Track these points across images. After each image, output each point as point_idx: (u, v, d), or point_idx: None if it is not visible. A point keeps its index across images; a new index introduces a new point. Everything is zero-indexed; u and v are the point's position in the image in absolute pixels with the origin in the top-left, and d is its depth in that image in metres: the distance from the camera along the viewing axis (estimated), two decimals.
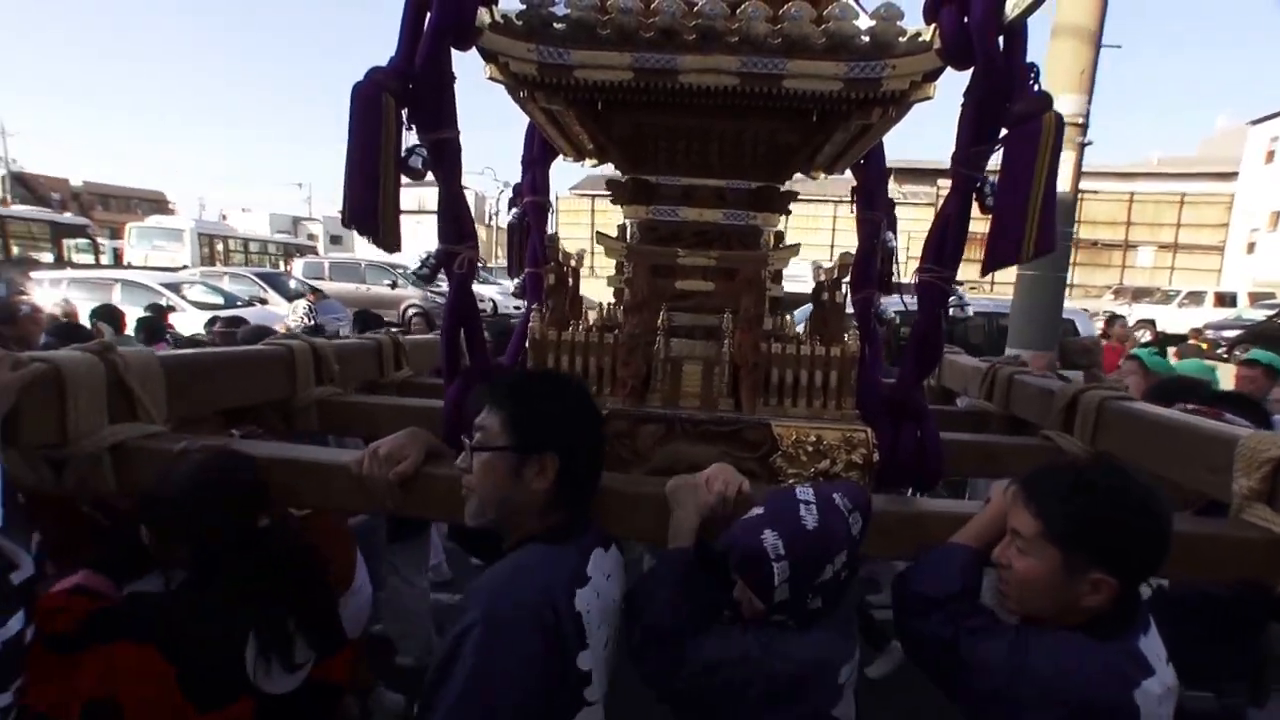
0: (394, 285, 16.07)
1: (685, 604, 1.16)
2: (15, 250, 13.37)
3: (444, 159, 1.40)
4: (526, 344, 1.65)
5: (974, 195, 1.37)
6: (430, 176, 1.41)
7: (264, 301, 11.60)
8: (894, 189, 21.30)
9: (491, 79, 1.49)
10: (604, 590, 1.14)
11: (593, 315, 1.96)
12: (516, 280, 2.27)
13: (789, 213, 1.77)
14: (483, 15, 1.36)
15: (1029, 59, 1.26)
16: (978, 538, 1.20)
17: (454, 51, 1.37)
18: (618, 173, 1.78)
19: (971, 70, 1.28)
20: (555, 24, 1.38)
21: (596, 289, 2.54)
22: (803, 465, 1.49)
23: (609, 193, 1.79)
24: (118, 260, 15.55)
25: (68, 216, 16.97)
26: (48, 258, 13.82)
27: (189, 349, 2.16)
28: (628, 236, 1.75)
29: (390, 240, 1.36)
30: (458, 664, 0.98)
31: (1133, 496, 1.02)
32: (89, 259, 14.76)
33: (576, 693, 1.06)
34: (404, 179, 1.36)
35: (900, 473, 1.60)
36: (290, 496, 1.40)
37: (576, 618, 1.06)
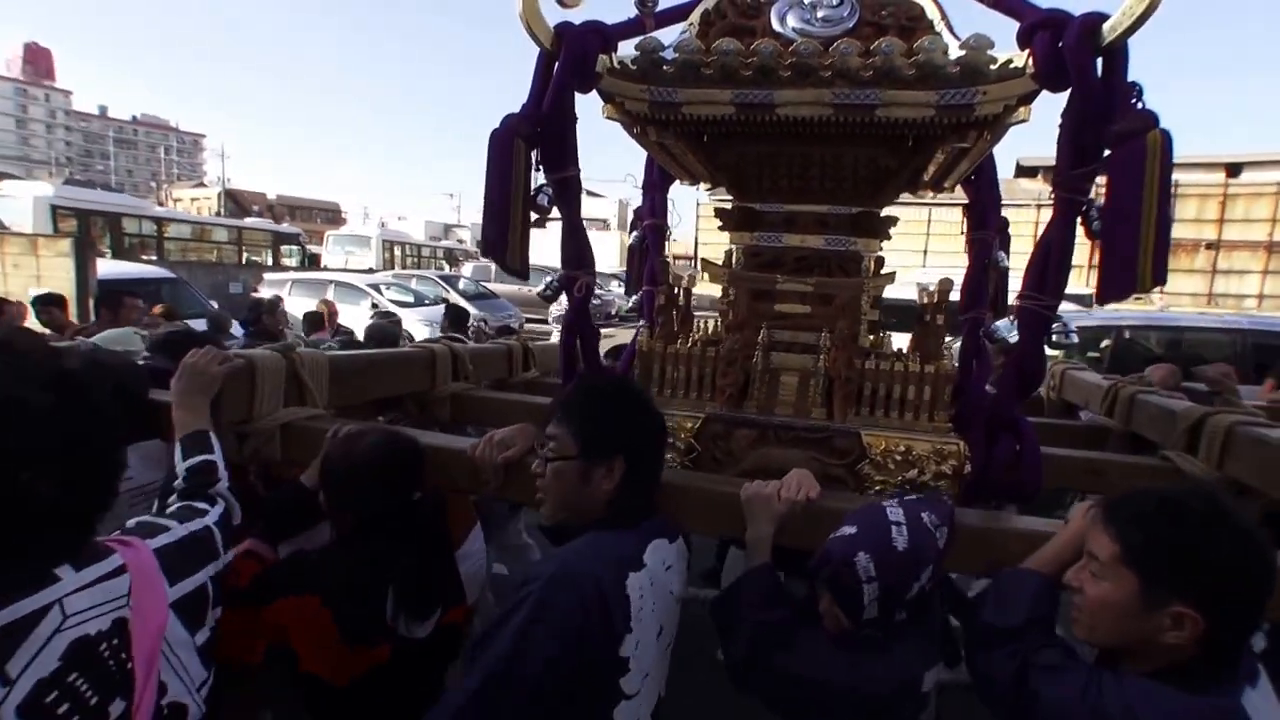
0: None
1: (770, 625, 1.22)
2: (246, 256, 16.06)
3: (567, 195, 1.58)
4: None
5: (1080, 220, 1.34)
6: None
7: (445, 300, 12.96)
8: (1040, 187, 18.99)
9: (609, 118, 1.67)
10: (659, 579, 1.19)
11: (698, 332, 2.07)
12: (635, 297, 2.42)
13: (889, 237, 1.78)
14: (602, 60, 1.54)
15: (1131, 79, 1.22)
16: (1053, 562, 1.15)
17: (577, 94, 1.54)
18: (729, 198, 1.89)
19: (1069, 92, 1.26)
20: (665, 66, 1.52)
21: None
22: (890, 473, 1.53)
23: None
24: (312, 263, 18.10)
25: (285, 227, 20.20)
26: (268, 261, 16.46)
27: (351, 351, 2.54)
28: (733, 262, 1.83)
29: (520, 269, 1.54)
30: (507, 627, 1.05)
31: (1225, 525, 0.92)
32: (294, 263, 17.34)
33: (612, 681, 1.09)
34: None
35: (995, 486, 1.57)
36: None
37: (624, 600, 1.10)
